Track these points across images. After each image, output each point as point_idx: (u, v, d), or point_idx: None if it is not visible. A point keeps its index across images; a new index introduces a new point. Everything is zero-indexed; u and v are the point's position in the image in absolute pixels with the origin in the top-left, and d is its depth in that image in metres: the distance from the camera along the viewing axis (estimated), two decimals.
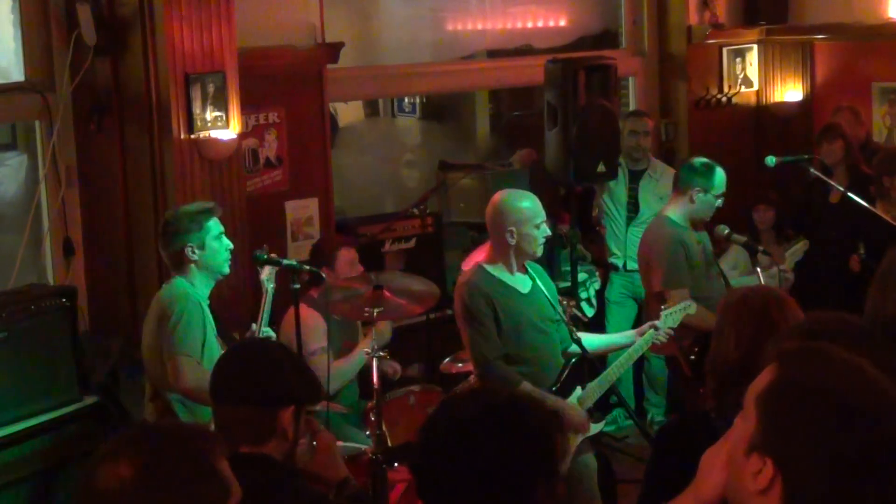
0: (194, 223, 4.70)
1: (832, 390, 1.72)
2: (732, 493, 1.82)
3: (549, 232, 5.20)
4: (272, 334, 4.95)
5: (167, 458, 1.93)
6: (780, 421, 1.73)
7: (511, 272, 5.18)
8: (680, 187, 5.88)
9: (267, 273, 4.94)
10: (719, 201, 5.82)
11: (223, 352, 3.26)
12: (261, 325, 4.86)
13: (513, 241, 5.08)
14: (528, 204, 5.13)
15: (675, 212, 5.89)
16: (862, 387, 1.73)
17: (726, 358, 3.05)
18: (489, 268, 5.17)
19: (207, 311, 4.71)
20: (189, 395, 4.62)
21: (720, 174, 5.82)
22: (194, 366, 4.54)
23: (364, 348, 5.29)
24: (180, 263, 4.73)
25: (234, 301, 5.63)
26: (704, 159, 5.91)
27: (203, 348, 4.61)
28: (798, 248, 6.48)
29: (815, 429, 1.69)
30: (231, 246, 4.82)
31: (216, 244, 4.75)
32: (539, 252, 5.19)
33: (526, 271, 5.24)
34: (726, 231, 5.93)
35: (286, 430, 2.92)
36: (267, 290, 4.91)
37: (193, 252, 4.69)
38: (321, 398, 3.34)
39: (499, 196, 5.21)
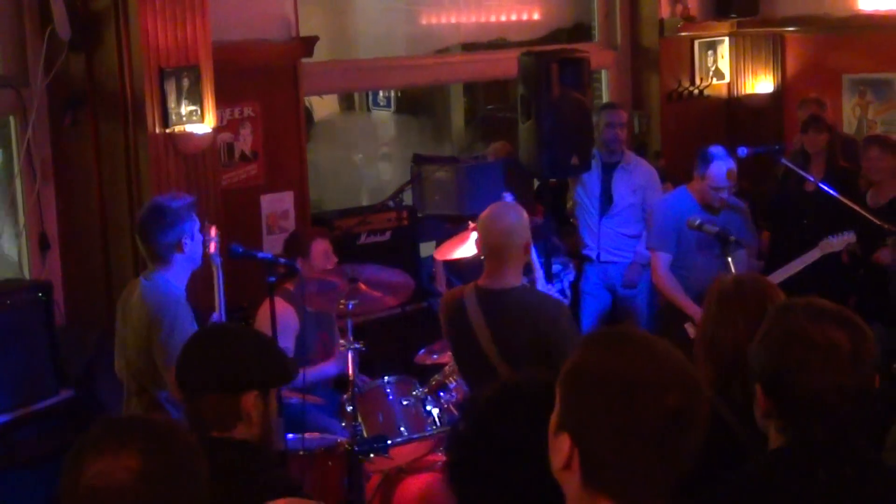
0: (187, 213, 4.66)
1: (617, 369, 1.86)
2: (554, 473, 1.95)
3: None
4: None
5: (169, 448, 1.94)
6: (574, 401, 1.89)
7: None
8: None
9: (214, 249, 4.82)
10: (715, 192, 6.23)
11: (187, 340, 3.22)
12: (221, 312, 4.82)
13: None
14: None
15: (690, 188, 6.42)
16: (647, 364, 1.86)
17: (735, 344, 3.02)
18: None
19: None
20: None
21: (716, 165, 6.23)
22: None
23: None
24: (168, 255, 4.62)
25: (205, 292, 5.63)
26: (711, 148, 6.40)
27: None
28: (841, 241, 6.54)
29: (601, 406, 1.84)
30: (203, 238, 4.82)
31: (198, 236, 4.76)
32: None
33: None
34: (698, 221, 5.99)
35: (250, 415, 2.90)
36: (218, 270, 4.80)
37: (186, 243, 4.64)
38: (290, 378, 3.33)
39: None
